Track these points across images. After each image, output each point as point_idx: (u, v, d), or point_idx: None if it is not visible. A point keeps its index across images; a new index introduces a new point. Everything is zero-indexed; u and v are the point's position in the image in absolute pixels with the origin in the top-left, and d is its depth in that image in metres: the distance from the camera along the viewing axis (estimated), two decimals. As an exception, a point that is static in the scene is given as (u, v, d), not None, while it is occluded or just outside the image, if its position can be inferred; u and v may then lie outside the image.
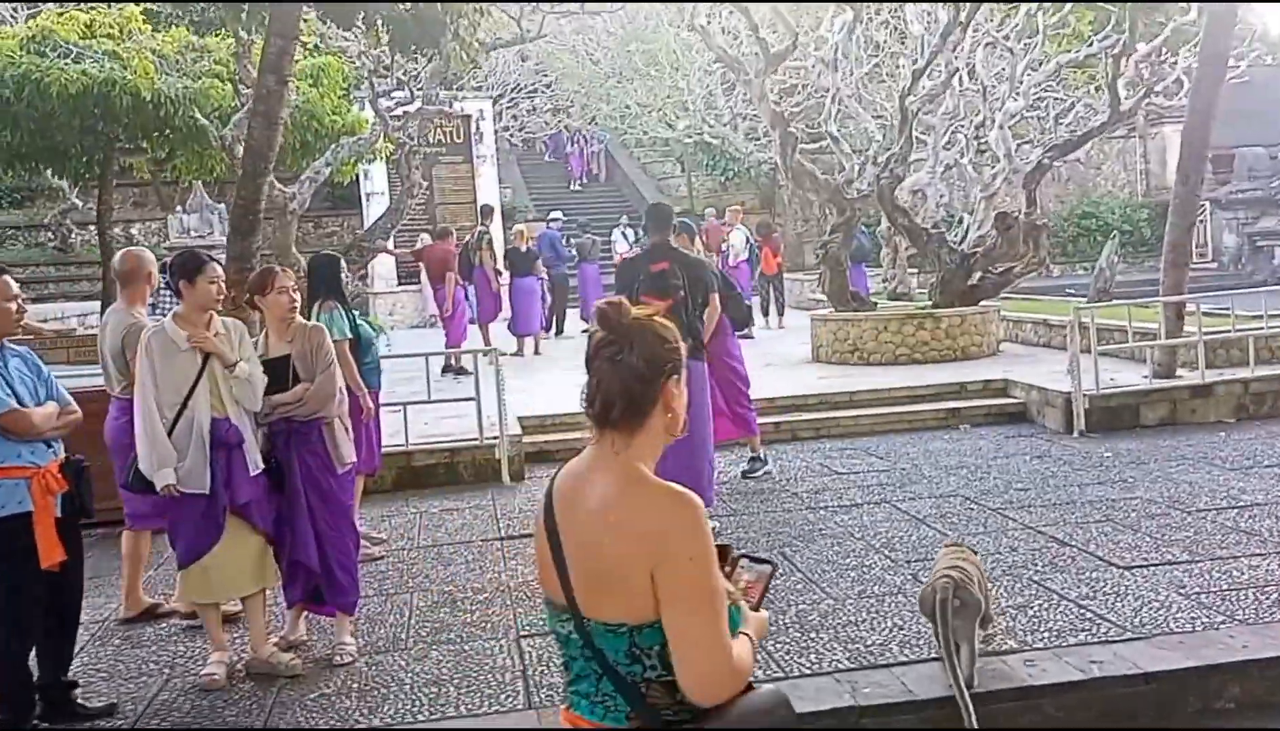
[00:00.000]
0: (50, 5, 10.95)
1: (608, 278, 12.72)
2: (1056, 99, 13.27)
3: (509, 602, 4.16)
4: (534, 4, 11.82)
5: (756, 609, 1.53)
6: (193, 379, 3.48)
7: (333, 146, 10.71)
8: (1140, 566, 4.10)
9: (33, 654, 3.26)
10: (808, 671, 3.30)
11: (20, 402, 3.08)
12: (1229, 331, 7.36)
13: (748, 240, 12.64)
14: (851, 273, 10.41)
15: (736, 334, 5.83)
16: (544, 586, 1.50)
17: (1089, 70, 14.18)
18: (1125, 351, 7.70)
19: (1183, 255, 7.28)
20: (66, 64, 9.75)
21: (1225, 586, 3.83)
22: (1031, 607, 3.74)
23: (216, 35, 11.57)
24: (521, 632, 3.82)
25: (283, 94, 6.15)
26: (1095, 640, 3.42)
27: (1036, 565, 4.20)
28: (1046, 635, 3.49)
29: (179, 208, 15.77)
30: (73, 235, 19.14)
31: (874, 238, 13.95)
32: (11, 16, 12.41)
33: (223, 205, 14.17)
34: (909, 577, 4.09)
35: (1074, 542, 4.46)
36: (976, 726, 2.89)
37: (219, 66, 10.85)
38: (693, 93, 17.76)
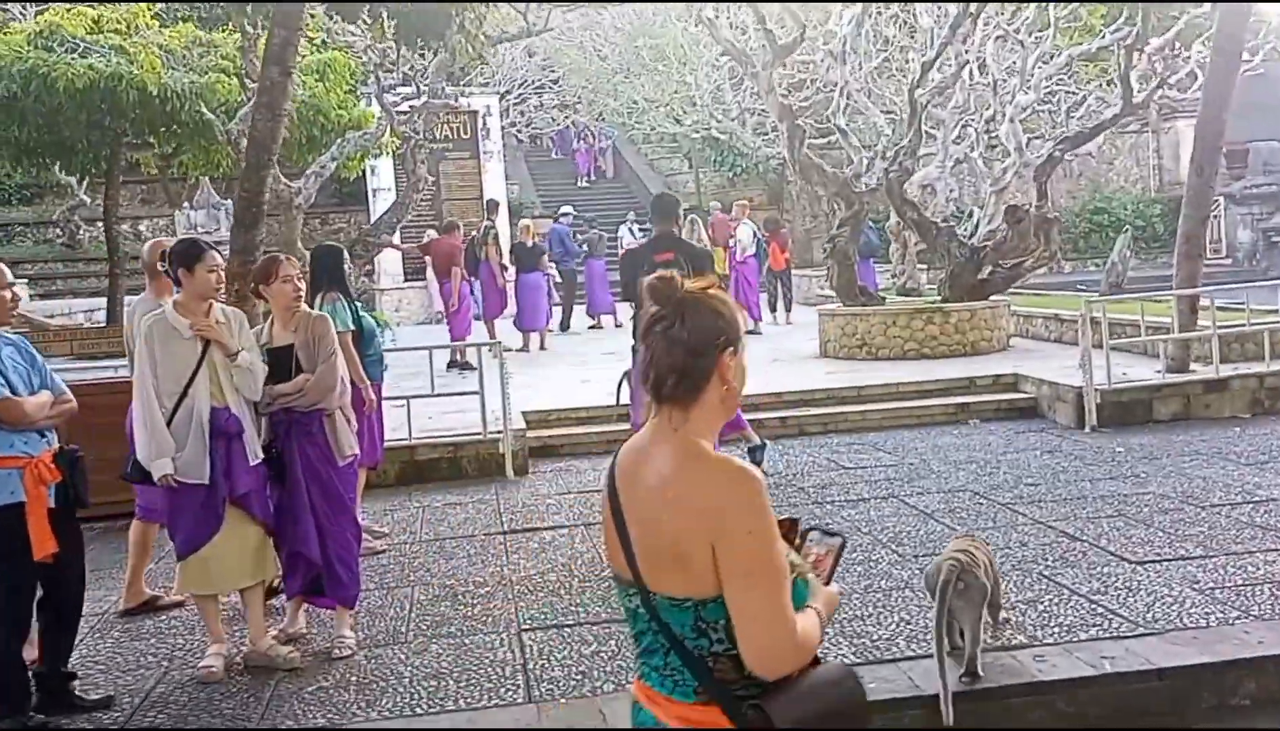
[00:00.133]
0: (59, 3, 10.95)
1: (615, 274, 12.67)
2: (1068, 92, 13.12)
3: (511, 597, 4.12)
4: (540, 1, 11.77)
5: (827, 583, 1.52)
6: (193, 367, 3.45)
7: (338, 141, 10.70)
8: (1153, 561, 4.02)
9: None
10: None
11: (13, 391, 3.05)
12: (1244, 325, 7.24)
13: (755, 235, 12.56)
14: (860, 268, 10.33)
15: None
16: (611, 561, 1.52)
17: (1101, 63, 14.03)
18: (1138, 346, 7.59)
19: (1196, 247, 7.17)
20: (73, 59, 9.77)
21: (1240, 581, 3.75)
22: (1042, 602, 3.67)
23: (223, 31, 11.57)
24: (523, 626, 3.78)
25: (286, 86, 6.12)
26: (1107, 635, 3.35)
27: (1047, 560, 4.12)
28: (1057, 630, 3.42)
29: (186, 204, 15.81)
30: (80, 232, 19.21)
31: (882, 233, 13.85)
32: (21, 14, 12.45)
33: (229, 201, 14.17)
34: (916, 572, 4.02)
35: (1085, 537, 4.38)
36: (951, 716, 2.86)
37: (225, 61, 10.86)
38: (700, 88, 17.68)
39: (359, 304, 4.99)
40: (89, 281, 17.89)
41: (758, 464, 5.86)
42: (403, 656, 3.58)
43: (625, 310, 6.26)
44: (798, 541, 1.55)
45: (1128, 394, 6.78)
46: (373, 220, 13.98)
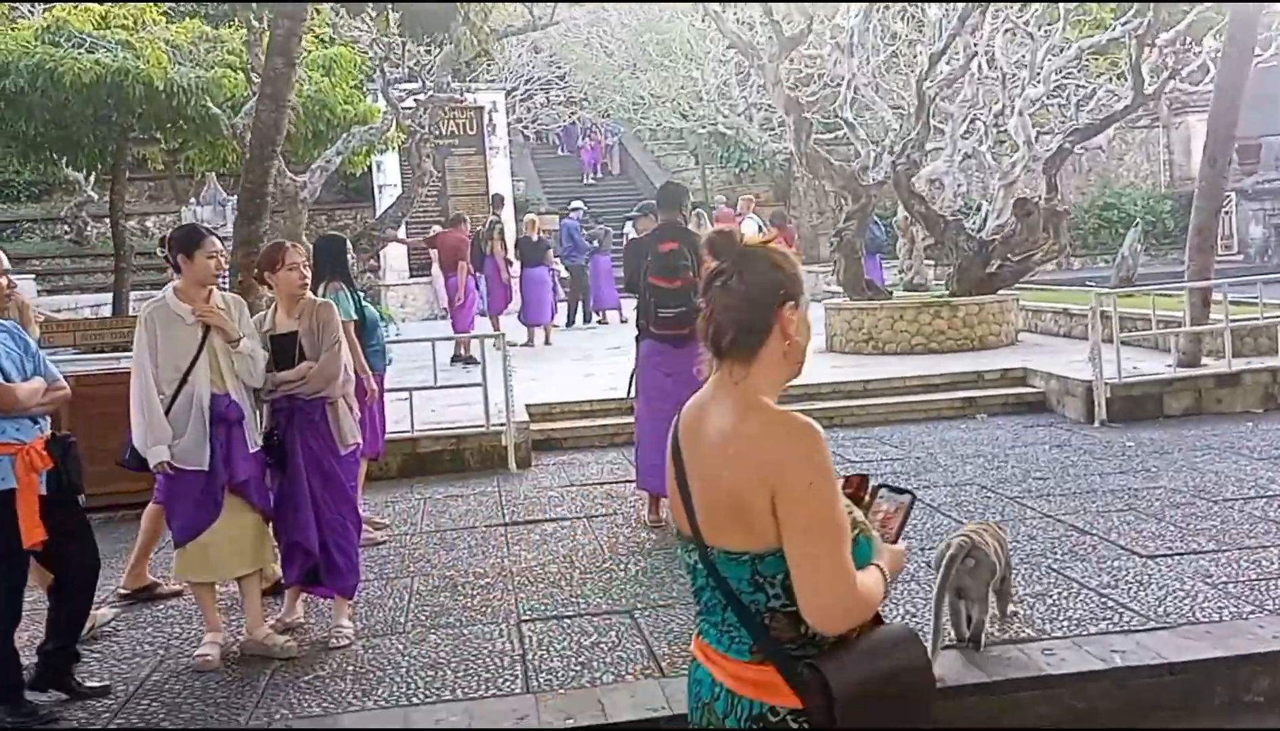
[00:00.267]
0: (67, 1, 10.96)
1: (621, 270, 12.62)
2: (1078, 86, 12.98)
3: (511, 588, 4.07)
4: (547, 1, 11.72)
5: (894, 541, 1.49)
6: (193, 353, 3.42)
7: (344, 136, 10.68)
8: (1164, 555, 3.95)
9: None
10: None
11: (6, 378, 3.02)
12: (1257, 319, 7.14)
13: (760, 229, 12.47)
14: (866, 263, 10.25)
15: None
16: (674, 517, 1.51)
17: (1111, 56, 13.89)
18: (1148, 340, 7.50)
19: (1208, 239, 7.07)
20: (80, 54, 9.77)
21: (1254, 576, 3.68)
22: (1050, 595, 3.60)
23: (229, 26, 11.57)
24: (523, 617, 3.74)
25: (290, 76, 6.10)
26: (1117, 629, 3.29)
27: (1056, 553, 4.05)
28: (1066, 624, 3.36)
29: (193, 199, 15.82)
30: (88, 228, 19.29)
31: (889, 229, 13.75)
32: (29, 11, 12.48)
33: (235, 197, 14.19)
34: (922, 565, 3.95)
35: (1095, 531, 4.31)
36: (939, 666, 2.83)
37: (231, 56, 10.85)
38: (707, 83, 17.60)
39: (361, 293, 4.96)
40: (96, 277, 17.95)
41: None
42: (401, 646, 3.54)
43: (631, 305, 6.19)
44: (867, 498, 1.53)
45: (1138, 388, 6.69)
46: (378, 215, 13.97)
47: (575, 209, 14.31)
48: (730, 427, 1.41)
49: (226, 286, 5.10)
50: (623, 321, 12.55)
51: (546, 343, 11.46)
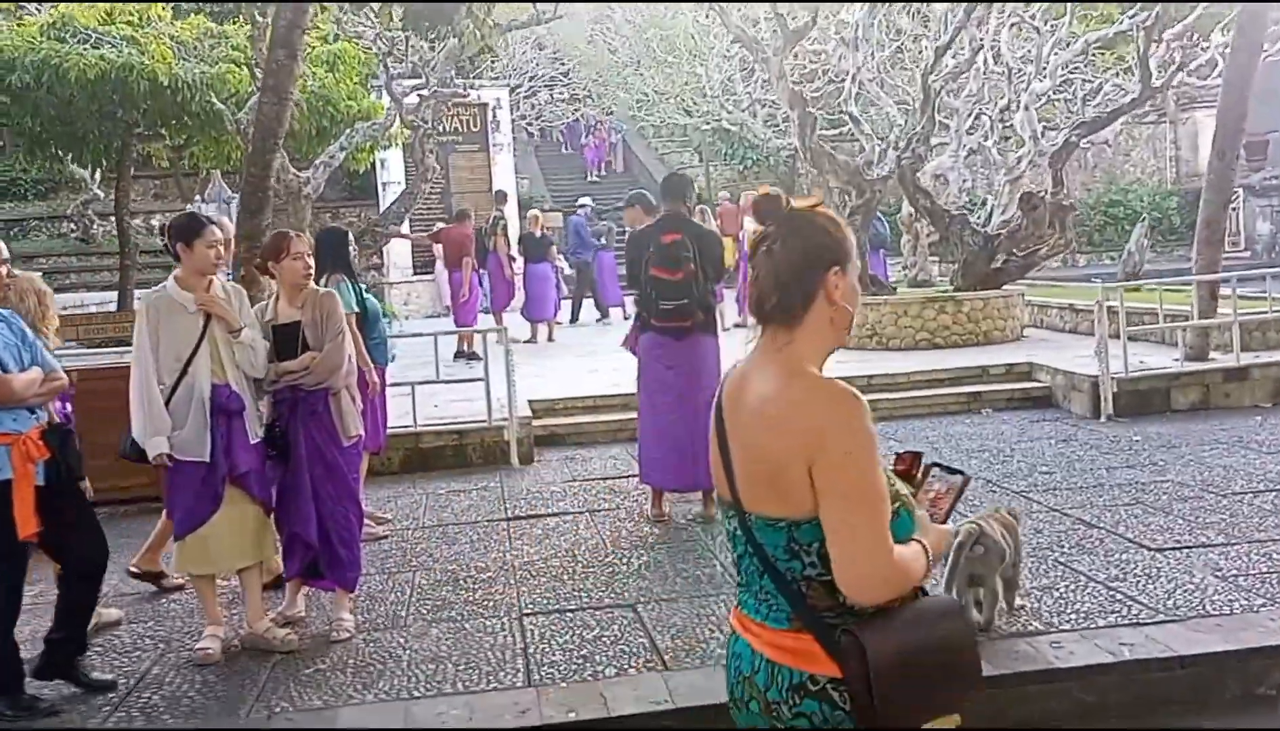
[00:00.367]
0: (71, 1, 10.96)
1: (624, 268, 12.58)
2: (1084, 81, 12.90)
3: (512, 582, 4.05)
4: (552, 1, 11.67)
5: (943, 522, 1.47)
6: (194, 343, 3.39)
7: (347, 131, 10.65)
8: (1173, 548, 3.90)
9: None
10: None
11: (4, 368, 3.00)
12: (1265, 313, 7.08)
13: (764, 225, 12.41)
14: (870, 259, 10.19)
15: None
16: (715, 484, 1.50)
17: (1118, 51, 13.80)
18: (1155, 334, 7.44)
19: (1217, 232, 7.01)
20: (85, 49, 9.77)
21: (1265, 568, 3.63)
22: (1058, 589, 3.56)
23: (234, 23, 11.56)
24: (524, 611, 3.71)
25: (292, 68, 6.07)
26: (1126, 622, 3.25)
27: (1063, 547, 4.01)
28: (1074, 617, 3.32)
29: (198, 197, 15.83)
30: (94, 226, 19.31)
31: (893, 225, 13.69)
32: (36, 10, 12.50)
33: (240, 195, 14.18)
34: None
35: (1102, 525, 4.26)
36: None
37: (236, 52, 10.84)
38: (710, 79, 17.55)
39: (362, 286, 4.93)
40: (102, 275, 17.98)
41: None
42: (402, 640, 3.51)
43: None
44: (919, 476, 1.51)
45: (1145, 382, 6.64)
46: (381, 211, 13.95)
47: (583, 205, 14.26)
48: (772, 393, 1.38)
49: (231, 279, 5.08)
50: (625, 318, 12.51)
51: (550, 339, 11.43)
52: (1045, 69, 11.00)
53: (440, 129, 13.80)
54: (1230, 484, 4.78)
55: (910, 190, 9.44)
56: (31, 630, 3.57)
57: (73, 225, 19.51)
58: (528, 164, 21.95)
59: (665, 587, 3.86)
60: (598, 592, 3.85)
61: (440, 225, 12.87)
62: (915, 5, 12.87)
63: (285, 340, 3.62)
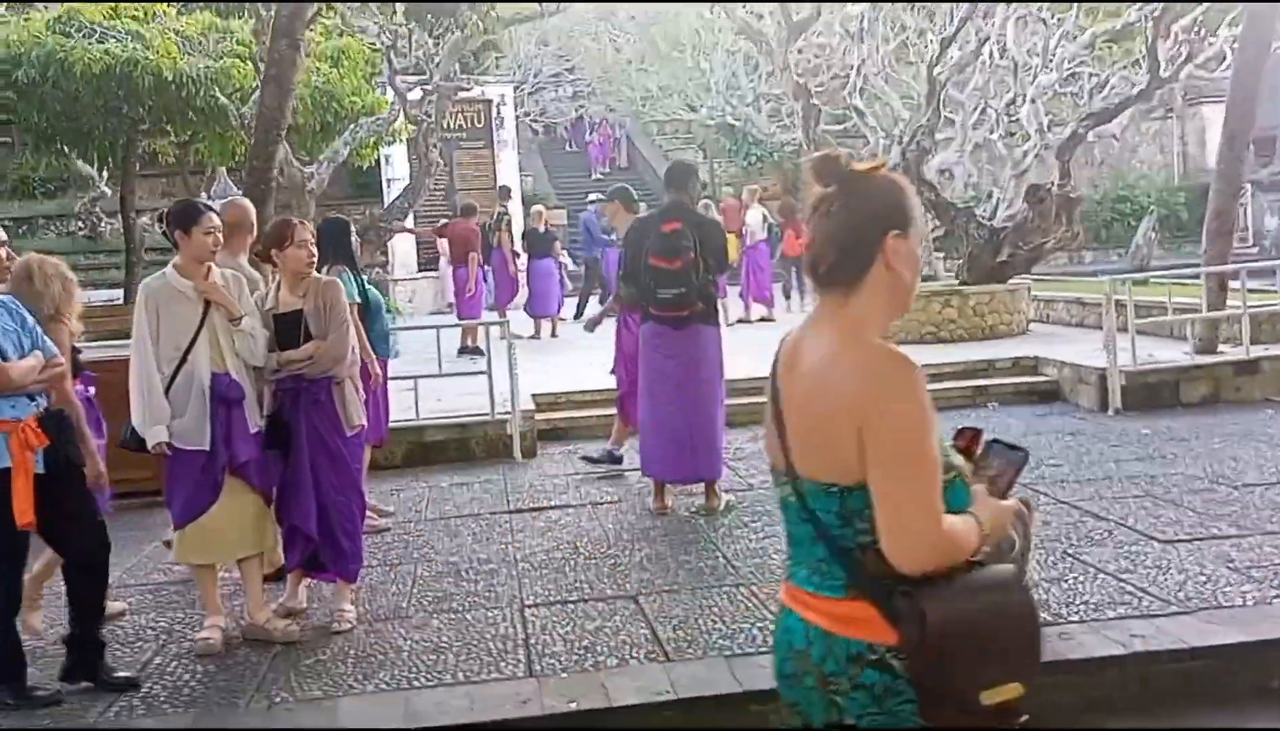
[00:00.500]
0: (74, 1, 10.97)
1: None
2: (1092, 74, 12.81)
3: (514, 573, 4.02)
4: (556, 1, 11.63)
5: (1003, 498, 1.43)
6: (193, 331, 3.37)
7: (351, 126, 10.63)
8: (1184, 540, 3.85)
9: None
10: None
11: (2, 354, 2.98)
12: (1275, 305, 7.00)
13: (765, 220, 12.35)
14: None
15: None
16: (768, 451, 1.48)
17: (1125, 44, 13.70)
18: (1164, 328, 7.37)
19: (1227, 223, 6.94)
20: (90, 44, 9.77)
21: (1279, 561, 3.58)
22: (1066, 580, 3.52)
23: (239, 18, 11.55)
24: (526, 602, 3.68)
25: (294, 59, 6.06)
26: (1136, 614, 3.20)
27: (1071, 539, 3.96)
28: (1083, 608, 3.27)
29: (204, 194, 15.84)
30: (102, 224, 19.35)
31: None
32: (44, 8, 12.52)
33: (243, 188, 14.16)
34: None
35: (1111, 517, 4.22)
36: None
37: (241, 47, 10.83)
38: (715, 74, 17.50)
39: (364, 277, 4.91)
40: (109, 273, 17.99)
41: (615, 461, 5.54)
42: (403, 631, 3.49)
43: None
44: (979, 452, 1.48)
45: (1153, 376, 6.57)
46: (385, 206, 13.94)
47: (593, 202, 14.23)
48: (826, 359, 1.36)
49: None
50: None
51: (553, 334, 11.40)
52: (1051, 61, 10.92)
53: (444, 125, 13.77)
54: (1241, 476, 4.73)
55: (915, 183, 9.32)
56: (52, 620, 3.56)
57: (81, 223, 19.54)
58: (532, 161, 21.92)
59: (667, 579, 3.82)
60: (599, 584, 3.82)
61: (444, 221, 12.86)
62: (919, 4, 12.81)
63: (287, 329, 3.59)
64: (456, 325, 9.37)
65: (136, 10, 10.96)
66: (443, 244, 13.99)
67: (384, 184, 17.44)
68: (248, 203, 4.31)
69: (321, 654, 3.34)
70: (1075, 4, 11.38)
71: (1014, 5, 11.10)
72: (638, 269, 4.60)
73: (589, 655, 3.18)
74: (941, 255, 13.61)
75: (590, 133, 23.75)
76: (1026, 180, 10.64)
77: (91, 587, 3.24)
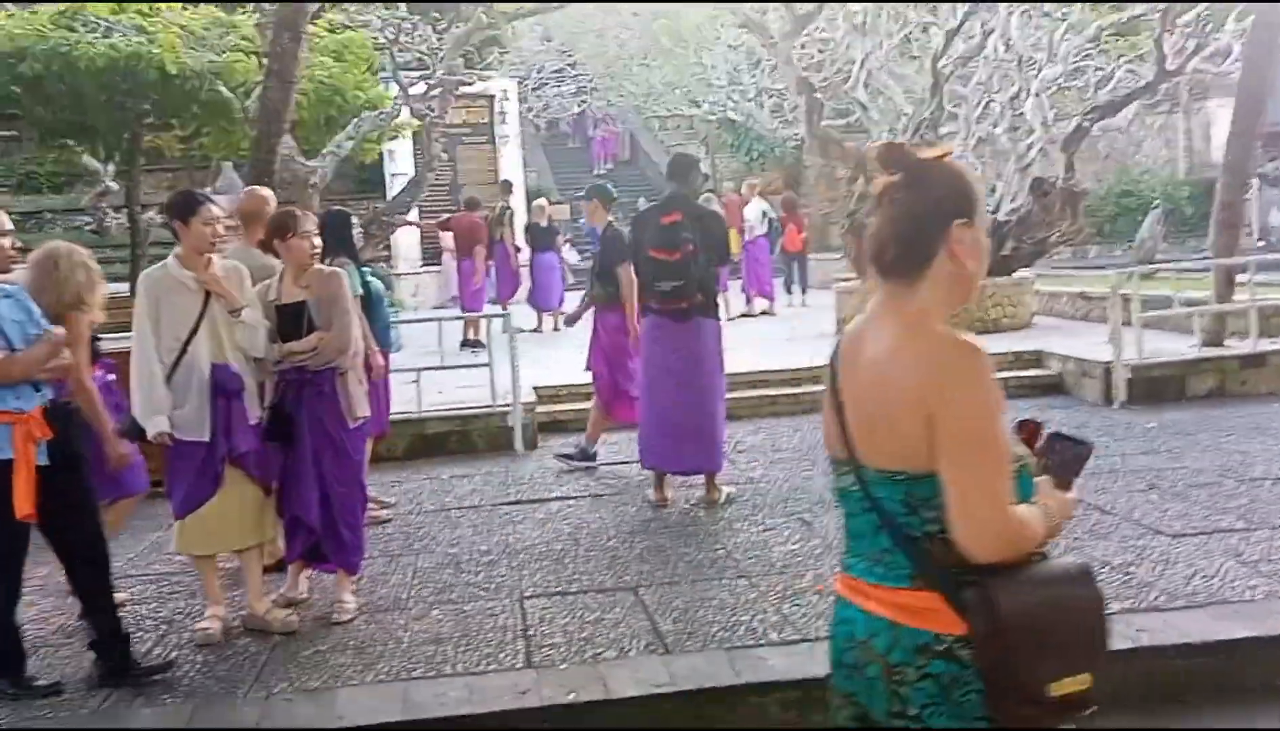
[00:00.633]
0: (75, 2, 10.96)
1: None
2: (1097, 68, 12.71)
3: (514, 564, 4.00)
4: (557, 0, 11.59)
5: (1067, 491, 1.42)
6: (193, 322, 3.35)
7: (354, 121, 10.61)
8: (1191, 534, 3.82)
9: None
10: (828, 635, 3.09)
11: (10, 345, 2.97)
12: (1283, 299, 6.96)
13: (765, 214, 12.29)
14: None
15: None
16: (826, 444, 1.47)
17: (1130, 38, 13.60)
18: (1169, 322, 7.32)
19: (1234, 215, 6.88)
20: (95, 38, 9.76)
21: (1286, 554, 3.55)
22: (1071, 573, 3.48)
23: (243, 12, 11.53)
24: (525, 593, 3.66)
25: (297, 52, 6.04)
26: (1142, 608, 3.17)
27: (1075, 532, 3.92)
28: (1087, 601, 3.23)
29: (210, 189, 15.86)
30: (108, 219, 19.35)
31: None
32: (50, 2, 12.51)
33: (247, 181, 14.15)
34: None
35: (1116, 511, 4.18)
36: None
37: (245, 42, 10.81)
38: (717, 69, 17.44)
39: (367, 269, 4.89)
40: (115, 267, 17.90)
41: (568, 460, 5.53)
42: (403, 622, 3.48)
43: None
44: (1040, 445, 1.47)
45: (1159, 369, 6.53)
46: (389, 200, 13.93)
47: None
48: (890, 348, 1.35)
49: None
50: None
51: (555, 328, 11.38)
52: (1056, 55, 10.84)
53: (447, 121, 13.76)
54: (1249, 470, 4.69)
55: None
56: (39, 611, 3.56)
57: (88, 218, 19.55)
58: (535, 156, 21.89)
59: (667, 571, 3.80)
60: (599, 575, 3.80)
61: (448, 217, 12.84)
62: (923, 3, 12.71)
63: (290, 320, 3.57)
64: (458, 318, 9.34)
65: (142, 5, 10.94)
66: (446, 238, 13.96)
67: (387, 179, 17.42)
68: (268, 192, 4.30)
69: (321, 644, 3.33)
70: (1080, 0, 11.30)
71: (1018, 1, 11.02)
72: (611, 267, 4.57)
73: (588, 646, 3.16)
74: (945, 249, 13.51)
75: (593, 128, 23.71)
76: (1031, 174, 10.56)
77: (95, 579, 3.23)
